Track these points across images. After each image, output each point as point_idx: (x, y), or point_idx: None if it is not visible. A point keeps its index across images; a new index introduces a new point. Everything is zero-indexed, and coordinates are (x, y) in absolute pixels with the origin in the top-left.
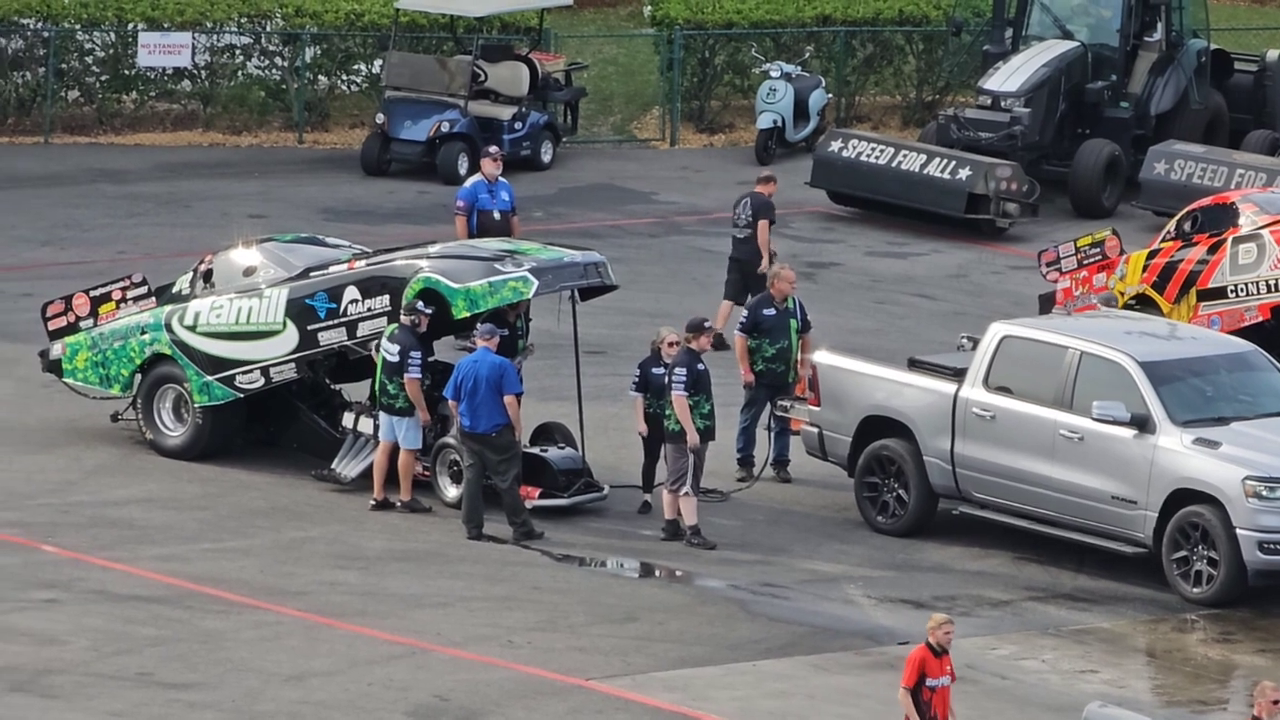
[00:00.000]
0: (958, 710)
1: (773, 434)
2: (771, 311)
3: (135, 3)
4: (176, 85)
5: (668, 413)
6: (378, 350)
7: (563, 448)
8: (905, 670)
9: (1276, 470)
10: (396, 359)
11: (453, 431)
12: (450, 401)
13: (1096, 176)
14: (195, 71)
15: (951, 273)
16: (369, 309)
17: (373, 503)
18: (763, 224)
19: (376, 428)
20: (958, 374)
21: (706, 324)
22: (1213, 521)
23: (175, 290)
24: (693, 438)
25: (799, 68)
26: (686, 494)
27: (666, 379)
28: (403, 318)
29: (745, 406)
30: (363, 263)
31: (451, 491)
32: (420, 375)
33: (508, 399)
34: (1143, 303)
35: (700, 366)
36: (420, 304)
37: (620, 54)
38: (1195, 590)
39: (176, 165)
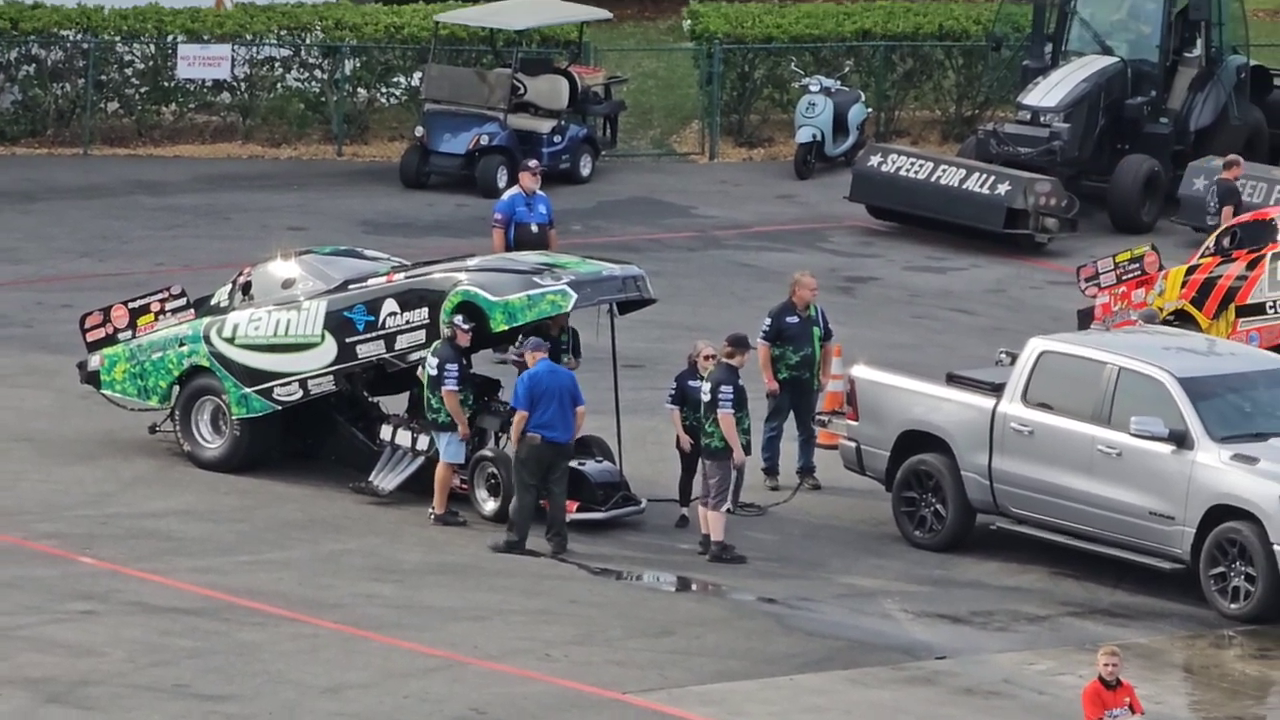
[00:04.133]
0: None
1: (800, 443)
2: (794, 319)
3: (175, 15)
4: (216, 97)
5: (709, 429)
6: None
7: (600, 461)
8: (1084, 710)
9: None
10: (435, 372)
11: (491, 444)
12: (521, 413)
13: (1135, 192)
14: (234, 83)
15: (990, 287)
16: (407, 322)
17: (432, 515)
18: (1226, 210)
19: (415, 440)
20: (996, 389)
21: (749, 339)
22: (1250, 538)
23: (214, 302)
24: (739, 455)
25: (838, 82)
26: (726, 510)
27: (706, 395)
28: (443, 331)
29: (770, 416)
30: (401, 275)
31: (489, 505)
32: (458, 388)
33: (579, 409)
34: (1181, 318)
35: (740, 382)
36: (460, 319)
37: (660, 68)
38: (1233, 606)
39: (215, 177)
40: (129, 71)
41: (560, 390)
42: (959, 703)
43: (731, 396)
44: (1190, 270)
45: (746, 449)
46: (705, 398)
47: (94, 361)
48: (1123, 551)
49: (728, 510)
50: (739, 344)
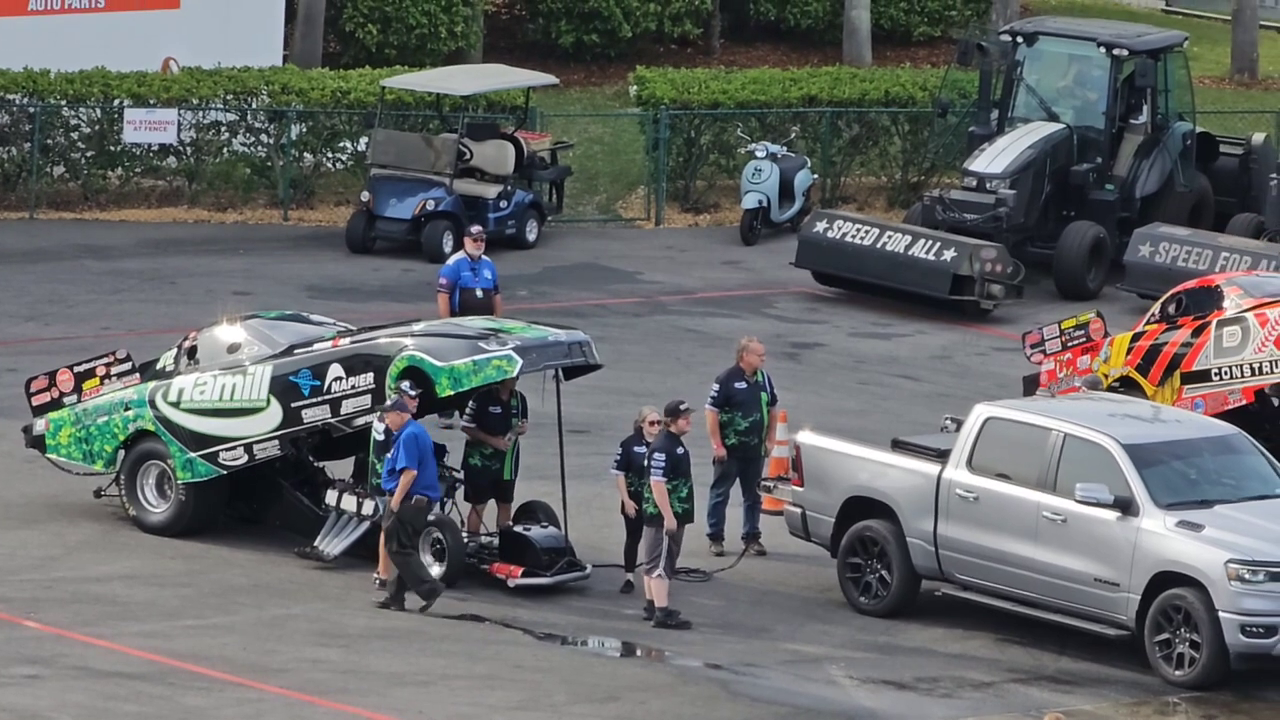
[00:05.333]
0: None
1: (745, 508)
2: (743, 385)
3: (121, 79)
4: (162, 162)
5: (646, 495)
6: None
7: (545, 526)
8: None
9: (1259, 554)
10: (383, 438)
11: (436, 509)
12: (411, 472)
13: (1081, 258)
14: (181, 148)
15: (936, 354)
16: (353, 386)
17: (378, 580)
18: None
19: (360, 505)
20: (941, 455)
21: (683, 406)
22: (1195, 604)
23: (159, 366)
24: (669, 522)
25: (784, 148)
26: (659, 576)
27: (646, 461)
28: (390, 398)
29: (716, 482)
30: (347, 340)
31: (435, 569)
32: None
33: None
34: (1127, 385)
35: (679, 450)
36: (407, 385)
37: (606, 133)
38: (1178, 673)
39: (161, 241)
40: (75, 135)
41: (431, 451)
42: None
43: (663, 464)
44: (1136, 337)
45: (689, 516)
46: (645, 464)
47: (39, 425)
48: (1068, 618)
49: (659, 576)
50: (674, 412)
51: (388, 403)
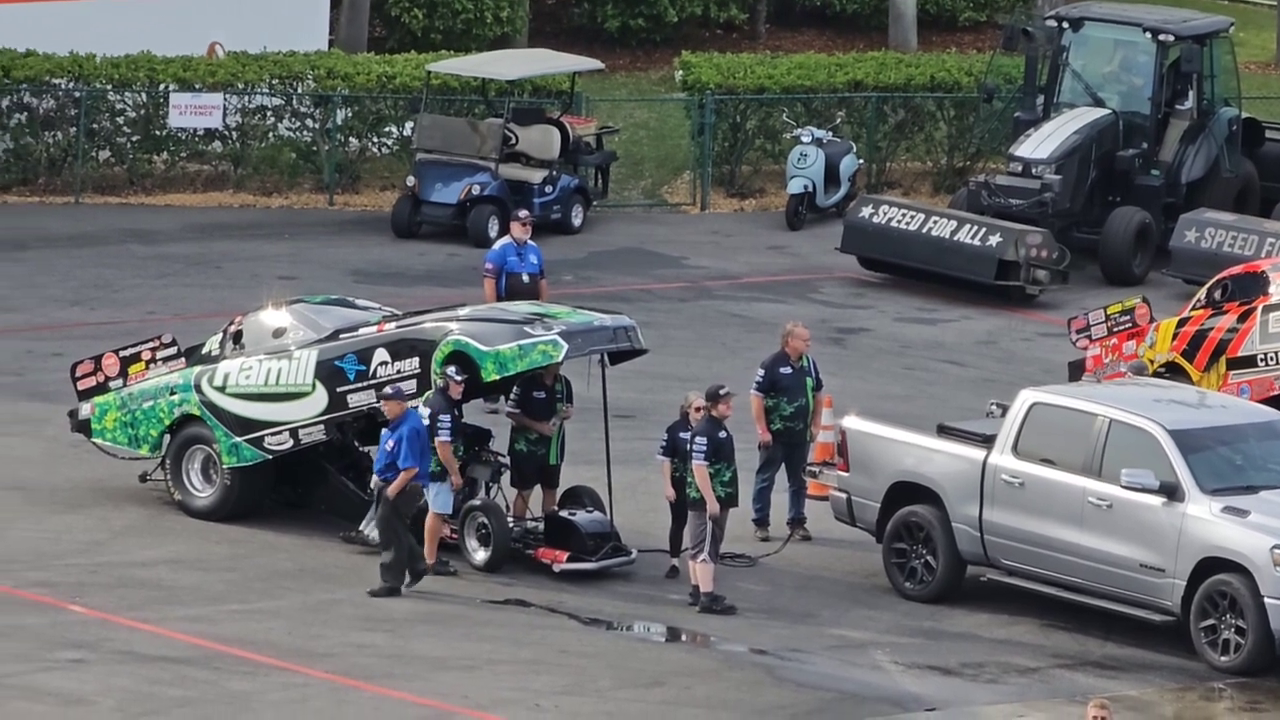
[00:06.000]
0: None
1: (791, 493)
2: (788, 370)
3: (167, 63)
4: (207, 146)
5: (689, 480)
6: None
7: (591, 511)
8: None
9: None
10: (427, 422)
11: (481, 494)
12: (413, 468)
13: (1127, 244)
14: (226, 133)
15: (981, 339)
16: (398, 371)
17: (423, 566)
18: None
19: None
20: (987, 440)
21: (723, 390)
22: (1241, 590)
23: (205, 351)
24: (712, 506)
25: (830, 133)
26: (704, 561)
27: (688, 446)
28: (435, 382)
29: (762, 468)
30: (392, 325)
31: (480, 555)
32: (451, 439)
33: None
34: (1172, 371)
35: (722, 434)
36: (452, 370)
37: (651, 118)
38: (1223, 659)
39: (207, 226)
40: (120, 120)
41: (428, 441)
42: None
43: (704, 448)
44: (1181, 323)
45: (733, 500)
46: (689, 449)
47: (85, 410)
48: (1113, 603)
49: (704, 561)
50: (714, 396)
51: (387, 390)
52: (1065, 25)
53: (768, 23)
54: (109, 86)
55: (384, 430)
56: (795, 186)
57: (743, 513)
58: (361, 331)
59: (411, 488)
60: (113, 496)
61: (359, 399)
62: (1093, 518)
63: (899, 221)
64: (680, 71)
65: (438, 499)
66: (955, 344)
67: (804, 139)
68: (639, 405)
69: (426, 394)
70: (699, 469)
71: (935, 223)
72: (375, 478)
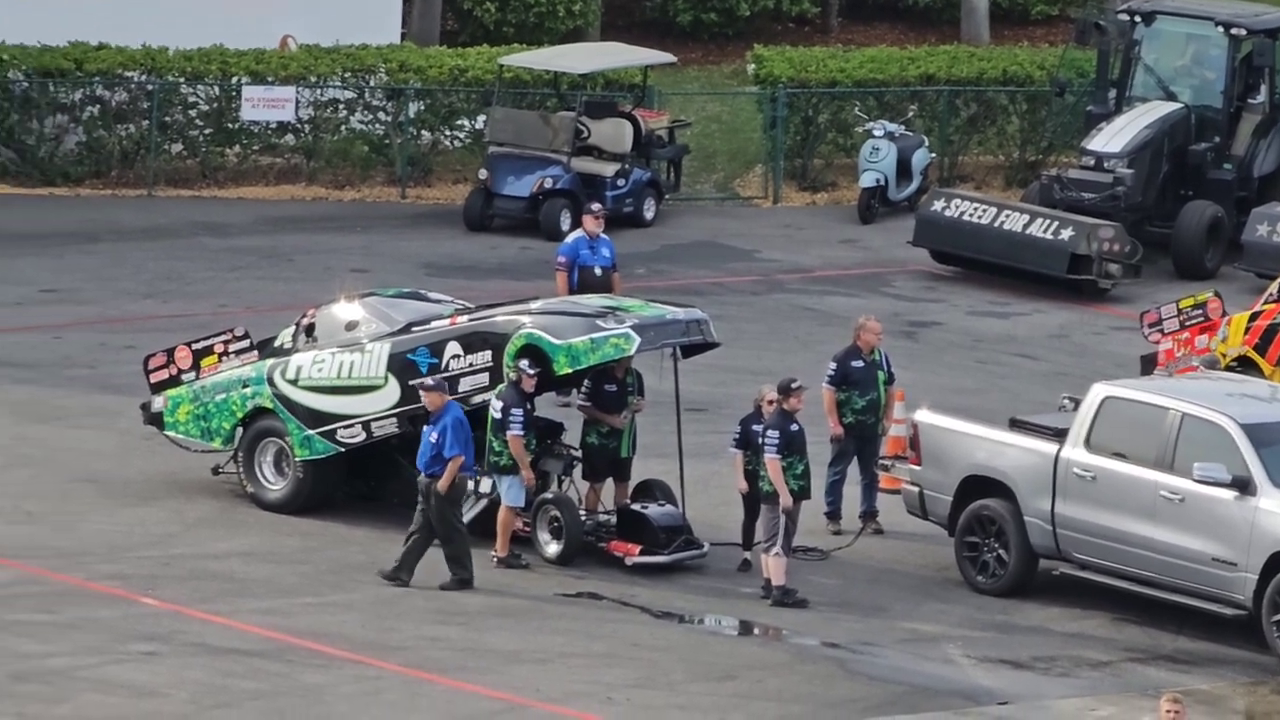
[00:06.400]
0: None
1: (863, 487)
2: (860, 363)
3: (239, 56)
4: (280, 139)
5: (762, 473)
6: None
7: (663, 505)
8: None
9: None
10: (500, 416)
11: (553, 487)
12: (460, 457)
13: (1199, 238)
14: (299, 126)
15: (1053, 333)
16: (470, 364)
17: (495, 558)
18: None
19: (477, 483)
20: (1059, 434)
21: (795, 384)
22: None
23: (277, 344)
24: (785, 499)
25: (902, 127)
26: (777, 554)
27: (760, 439)
28: (508, 375)
29: (834, 461)
30: (465, 318)
31: (552, 548)
32: (522, 433)
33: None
34: (1244, 365)
35: (794, 427)
36: (525, 363)
37: (723, 111)
38: None
39: (279, 219)
40: (193, 113)
41: (470, 432)
42: None
43: (776, 441)
44: (1253, 316)
45: (805, 493)
46: (760, 442)
47: (157, 403)
48: (1185, 597)
49: (776, 554)
50: (786, 390)
51: (427, 381)
52: (1137, 19)
53: (840, 16)
54: (182, 79)
55: (425, 426)
56: (867, 180)
57: (815, 506)
58: (434, 324)
59: (460, 478)
60: (185, 489)
61: None
62: (1165, 511)
63: (971, 215)
64: (752, 65)
65: (510, 492)
66: (1027, 338)
67: (876, 132)
68: (711, 399)
69: (499, 387)
70: (772, 462)
71: (1007, 216)
72: (421, 475)
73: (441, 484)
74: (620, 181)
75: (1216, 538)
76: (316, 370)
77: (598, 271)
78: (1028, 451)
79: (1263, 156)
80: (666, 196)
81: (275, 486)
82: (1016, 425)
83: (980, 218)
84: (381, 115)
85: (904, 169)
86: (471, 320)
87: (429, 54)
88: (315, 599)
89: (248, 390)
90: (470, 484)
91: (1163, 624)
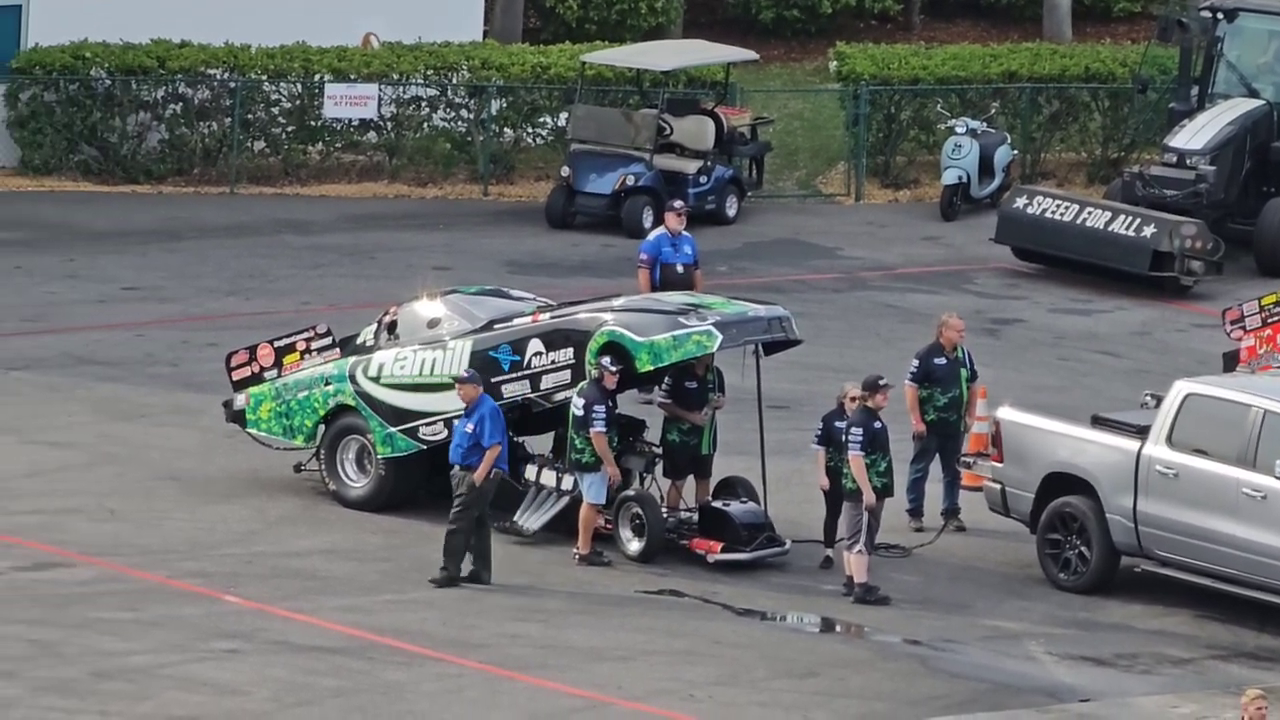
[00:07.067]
0: None
1: (945, 484)
2: (943, 361)
3: (322, 54)
4: (362, 137)
5: (845, 471)
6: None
7: (745, 502)
8: None
9: None
10: (582, 413)
11: (635, 484)
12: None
13: None
14: (381, 123)
15: (1135, 330)
16: (552, 362)
17: (577, 555)
18: None
19: (559, 480)
20: (1141, 431)
21: (882, 381)
22: None
23: (359, 341)
24: (869, 497)
25: (984, 124)
26: (859, 551)
27: (844, 436)
28: (590, 372)
29: (916, 458)
30: (547, 315)
31: (634, 545)
32: (605, 429)
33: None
34: None
35: (877, 425)
36: (607, 360)
37: (806, 109)
38: None
39: (361, 216)
40: (275, 110)
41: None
42: None
43: (860, 438)
44: None
45: (888, 491)
46: (844, 439)
47: (239, 400)
48: (1268, 594)
49: (859, 551)
50: (872, 387)
51: (462, 374)
52: (1220, 16)
53: (922, 14)
54: (264, 77)
55: (460, 418)
56: (950, 177)
57: (897, 503)
58: (516, 322)
59: (495, 473)
60: (267, 487)
61: (513, 389)
62: (1247, 508)
63: (1053, 212)
64: (835, 62)
65: (591, 489)
66: (1109, 335)
67: (959, 130)
68: (793, 396)
69: (581, 384)
70: (855, 459)
71: (1090, 214)
72: (456, 467)
73: (479, 474)
74: (702, 179)
75: None
76: (399, 368)
77: (680, 269)
78: (1110, 449)
79: None
80: (749, 194)
81: (357, 484)
82: (1099, 422)
83: (1062, 215)
84: (464, 113)
85: (986, 166)
86: (553, 318)
87: (511, 51)
88: (397, 596)
89: (330, 388)
90: (552, 480)
91: (1245, 621)
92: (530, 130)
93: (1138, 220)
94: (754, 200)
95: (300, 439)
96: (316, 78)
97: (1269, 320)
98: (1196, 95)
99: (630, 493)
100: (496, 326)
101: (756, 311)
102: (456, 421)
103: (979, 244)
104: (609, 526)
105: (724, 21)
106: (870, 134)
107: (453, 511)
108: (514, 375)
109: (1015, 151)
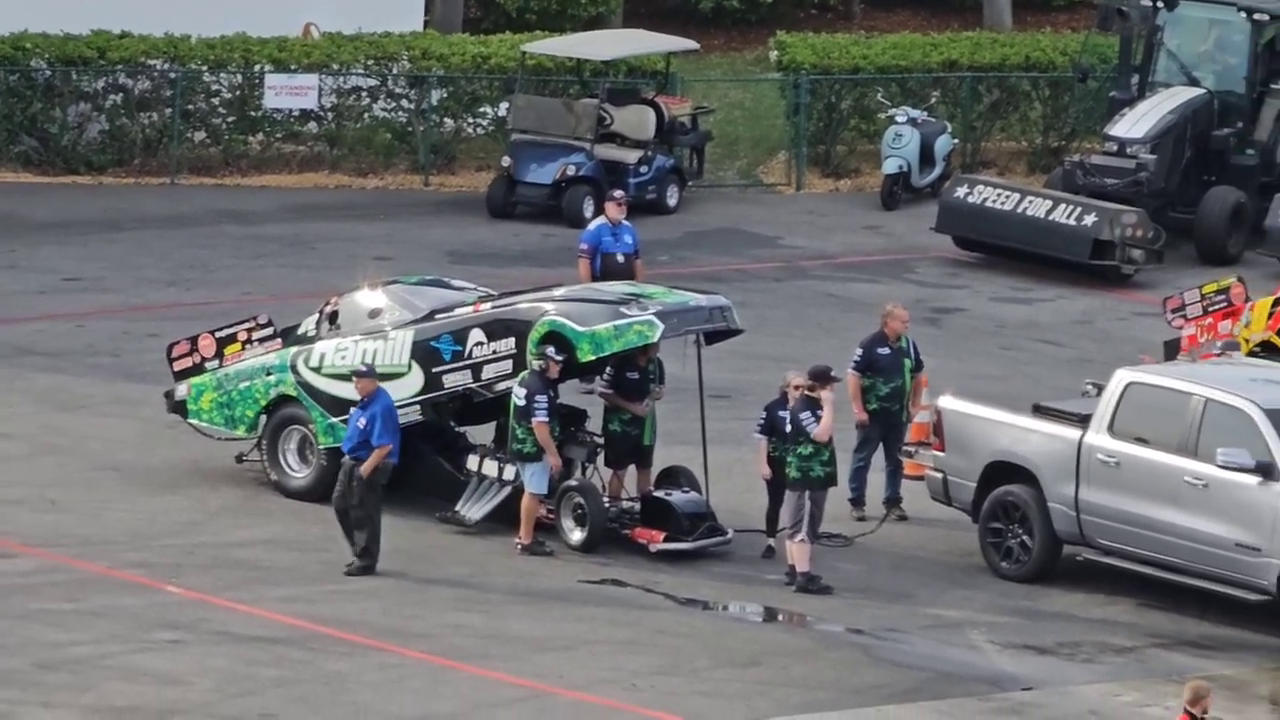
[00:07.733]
0: None
1: (887, 473)
2: (886, 350)
3: (262, 44)
4: (303, 127)
5: (788, 460)
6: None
7: (687, 491)
8: None
9: None
10: (524, 403)
11: (577, 474)
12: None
13: (1222, 223)
14: (321, 113)
15: (1077, 319)
16: (494, 352)
17: (519, 545)
18: None
19: (501, 470)
20: (1083, 420)
21: (832, 373)
22: None
23: (300, 332)
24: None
25: (925, 113)
26: (801, 540)
27: (788, 426)
28: (533, 363)
29: (858, 447)
30: (488, 305)
31: (576, 535)
32: (548, 419)
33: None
34: (1267, 350)
35: (820, 413)
36: (551, 349)
37: (746, 98)
38: None
39: (302, 207)
40: (216, 101)
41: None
42: None
43: (810, 420)
44: (1277, 302)
45: (830, 480)
46: (786, 429)
47: (181, 391)
48: (1209, 583)
49: (801, 540)
50: (818, 377)
51: (360, 368)
52: (1160, 5)
53: (862, 2)
54: (204, 67)
55: (354, 409)
56: (890, 166)
57: (840, 492)
58: (457, 312)
59: (384, 464)
60: (209, 477)
61: (455, 379)
62: (1189, 497)
63: (994, 201)
64: (775, 51)
65: (533, 479)
66: (1051, 324)
67: (899, 119)
68: (734, 385)
69: (522, 374)
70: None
71: (1030, 202)
72: (346, 456)
73: (365, 468)
74: (643, 168)
75: (1240, 523)
76: (340, 358)
77: (620, 258)
78: (1051, 437)
79: None
80: (689, 183)
81: (299, 474)
82: (1040, 411)
83: (1003, 204)
84: (404, 103)
85: (927, 155)
86: (495, 308)
87: (451, 41)
88: (338, 587)
89: (271, 378)
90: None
91: (1187, 609)
92: (471, 120)
93: (1078, 209)
94: (695, 190)
95: (242, 429)
96: (257, 68)
97: (1210, 309)
98: (1137, 84)
99: (572, 482)
100: (438, 316)
101: (698, 301)
102: (352, 411)
103: (920, 233)
104: (551, 516)
105: (664, 11)
106: (811, 123)
107: (355, 511)
108: (456, 365)
109: (956, 140)
